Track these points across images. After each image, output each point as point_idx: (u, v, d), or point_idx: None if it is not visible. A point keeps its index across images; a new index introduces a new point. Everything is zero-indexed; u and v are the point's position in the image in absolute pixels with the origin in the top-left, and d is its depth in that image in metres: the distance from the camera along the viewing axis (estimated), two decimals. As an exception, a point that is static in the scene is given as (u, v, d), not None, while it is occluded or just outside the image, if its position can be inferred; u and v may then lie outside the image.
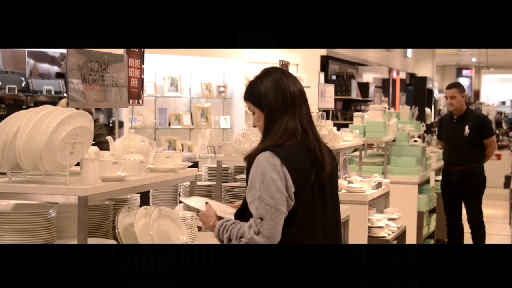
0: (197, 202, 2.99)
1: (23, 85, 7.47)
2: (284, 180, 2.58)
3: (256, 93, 2.75)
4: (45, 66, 7.95)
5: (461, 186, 7.33)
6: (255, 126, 2.81)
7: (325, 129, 5.34)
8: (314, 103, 5.96)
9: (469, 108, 7.65)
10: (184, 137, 9.72)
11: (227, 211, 2.92)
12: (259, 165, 2.61)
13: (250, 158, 2.69)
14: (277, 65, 5.02)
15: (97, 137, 6.04)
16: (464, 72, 28.05)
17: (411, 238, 7.01)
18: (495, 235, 9.64)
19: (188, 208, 4.02)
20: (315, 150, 2.70)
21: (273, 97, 2.71)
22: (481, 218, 7.41)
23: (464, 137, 7.26)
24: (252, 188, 2.61)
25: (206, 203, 2.91)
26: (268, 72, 2.77)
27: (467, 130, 7.25)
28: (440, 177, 7.97)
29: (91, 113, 6.46)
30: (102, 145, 6.31)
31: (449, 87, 7.47)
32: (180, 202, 4.38)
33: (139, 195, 3.62)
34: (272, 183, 2.56)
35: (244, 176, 4.66)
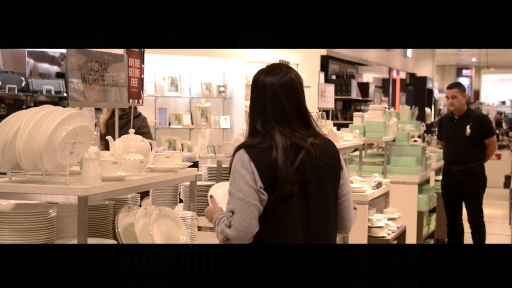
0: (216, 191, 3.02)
1: (23, 85, 7.46)
2: (252, 174, 2.61)
3: None
4: (45, 66, 7.94)
5: (461, 186, 7.31)
6: None
7: (325, 129, 5.34)
8: (314, 103, 5.96)
9: (470, 108, 7.63)
10: (184, 137, 9.72)
11: None
12: (233, 162, 2.68)
13: (232, 159, 2.73)
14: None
15: (140, 128, 6.46)
16: (464, 72, 28.04)
17: (411, 238, 7.01)
18: (495, 235, 9.63)
19: (188, 208, 4.02)
20: (291, 151, 2.65)
21: (251, 97, 2.77)
22: (482, 218, 7.39)
23: (465, 137, 7.24)
24: (229, 184, 2.68)
25: (211, 196, 2.96)
26: (256, 73, 2.80)
27: (468, 130, 7.23)
28: (440, 177, 7.97)
29: (136, 108, 6.79)
30: (145, 135, 6.68)
31: (450, 87, 7.44)
32: (181, 201, 4.38)
33: (139, 195, 3.62)
34: (240, 178, 2.61)
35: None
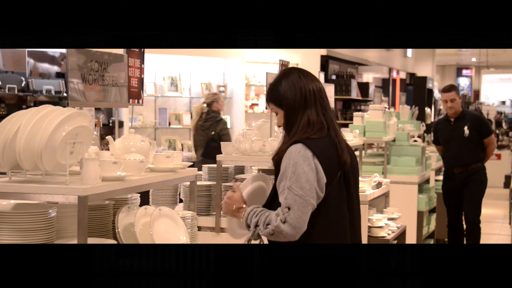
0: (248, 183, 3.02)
1: (23, 85, 7.46)
2: (315, 172, 2.65)
3: (276, 94, 2.85)
4: (45, 66, 7.94)
5: (464, 187, 7.16)
6: (279, 126, 2.89)
7: (325, 129, 5.33)
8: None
9: (464, 108, 7.42)
10: (184, 137, 9.73)
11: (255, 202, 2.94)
12: (291, 157, 2.68)
13: (280, 154, 2.75)
14: (277, 65, 5.03)
15: (222, 130, 7.80)
16: (464, 72, 28.03)
17: (411, 238, 7.01)
18: (495, 235, 9.63)
19: (188, 207, 4.02)
20: (338, 142, 2.78)
21: (292, 96, 2.80)
22: (479, 219, 7.30)
23: (464, 138, 7.10)
24: (283, 178, 2.68)
25: (235, 180, 2.96)
26: (286, 73, 2.87)
27: (466, 130, 7.09)
28: (440, 177, 7.94)
29: (218, 112, 8.12)
30: (225, 137, 7.80)
31: (448, 89, 7.22)
32: (180, 201, 4.38)
33: (139, 195, 3.62)
34: (303, 174, 2.63)
35: (244, 176, 4.67)
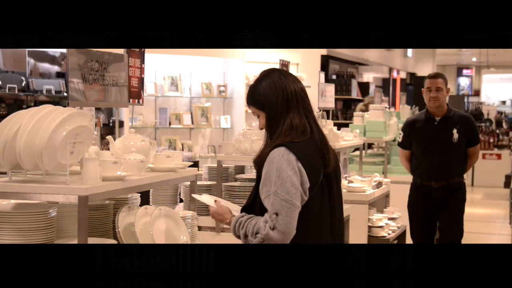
0: (208, 198, 3.00)
1: (23, 85, 7.46)
2: (299, 175, 2.62)
3: (257, 96, 2.79)
4: (45, 66, 7.94)
5: (442, 207, 5.53)
6: (261, 129, 2.83)
7: (326, 128, 5.34)
8: (315, 102, 5.97)
9: (450, 107, 5.70)
10: (185, 137, 9.72)
11: (234, 208, 2.93)
12: (274, 161, 2.64)
13: (262, 157, 2.71)
14: (277, 65, 5.03)
15: None
16: (465, 71, 28.04)
17: (411, 238, 7.00)
18: (495, 235, 9.64)
19: (189, 207, 4.02)
20: (322, 145, 2.75)
21: (274, 98, 2.74)
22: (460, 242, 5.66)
23: (452, 144, 5.48)
24: (267, 183, 2.64)
25: (215, 201, 2.93)
26: (266, 74, 2.81)
27: (455, 134, 5.48)
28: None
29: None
30: None
31: (434, 76, 5.70)
32: (181, 200, 4.39)
33: (139, 194, 3.62)
34: (287, 178, 2.59)
35: (244, 176, 4.67)
